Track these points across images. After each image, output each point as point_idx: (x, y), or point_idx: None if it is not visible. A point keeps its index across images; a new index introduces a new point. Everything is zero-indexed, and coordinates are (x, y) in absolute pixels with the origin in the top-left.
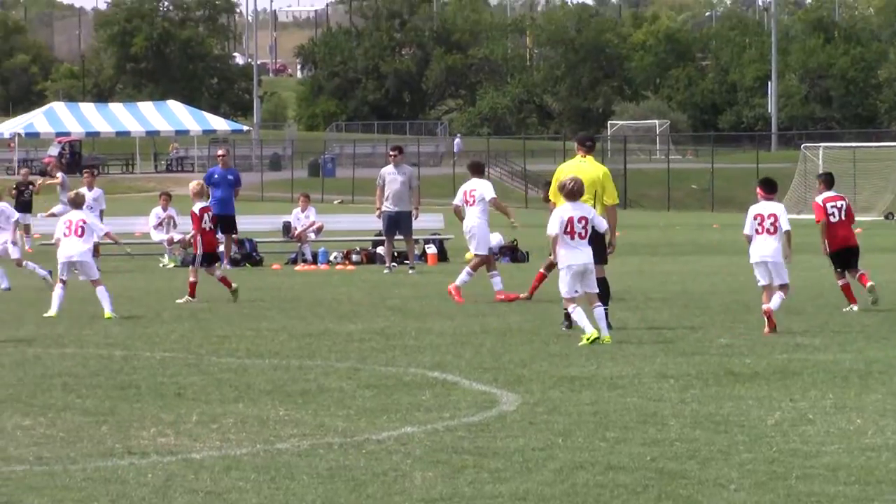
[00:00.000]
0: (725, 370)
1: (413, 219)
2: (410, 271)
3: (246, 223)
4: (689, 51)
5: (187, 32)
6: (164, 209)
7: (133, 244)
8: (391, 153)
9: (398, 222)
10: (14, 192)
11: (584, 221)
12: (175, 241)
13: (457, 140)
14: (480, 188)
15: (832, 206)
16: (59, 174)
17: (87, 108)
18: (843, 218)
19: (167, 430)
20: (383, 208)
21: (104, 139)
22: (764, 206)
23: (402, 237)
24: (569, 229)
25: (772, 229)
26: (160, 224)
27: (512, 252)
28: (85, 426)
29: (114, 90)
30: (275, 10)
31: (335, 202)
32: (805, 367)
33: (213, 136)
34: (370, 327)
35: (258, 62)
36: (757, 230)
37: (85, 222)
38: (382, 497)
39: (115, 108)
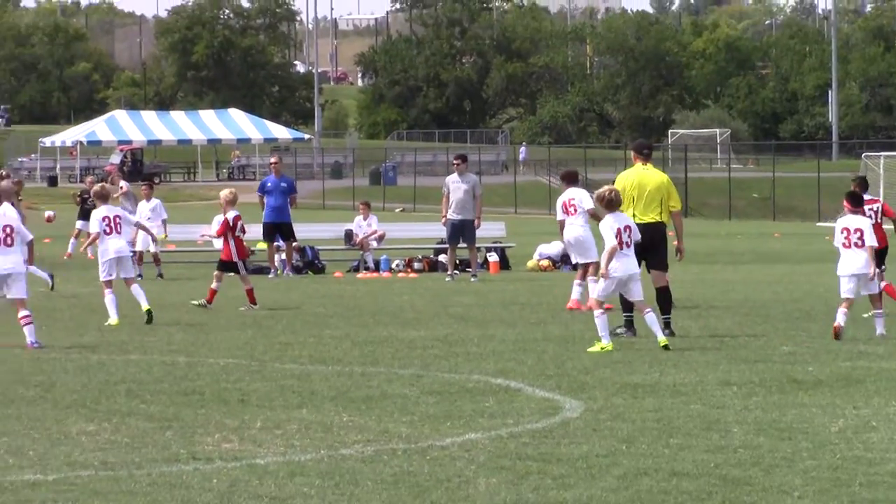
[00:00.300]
0: (788, 378)
1: (476, 227)
2: (473, 279)
3: (308, 231)
4: (750, 59)
5: (248, 40)
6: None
7: (195, 252)
8: (455, 162)
9: (462, 230)
10: (78, 199)
11: (629, 230)
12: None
13: (522, 149)
14: (579, 196)
15: (868, 210)
16: (123, 183)
17: (149, 117)
18: (878, 220)
19: (231, 436)
20: (448, 216)
21: (166, 147)
22: (850, 220)
23: (465, 245)
24: (618, 239)
25: (859, 243)
26: None
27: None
28: (149, 432)
29: (175, 98)
30: (335, 19)
31: (396, 210)
32: (868, 375)
33: (274, 145)
34: (433, 334)
35: (319, 70)
36: (844, 244)
37: (120, 217)
38: (446, 503)
39: (177, 116)
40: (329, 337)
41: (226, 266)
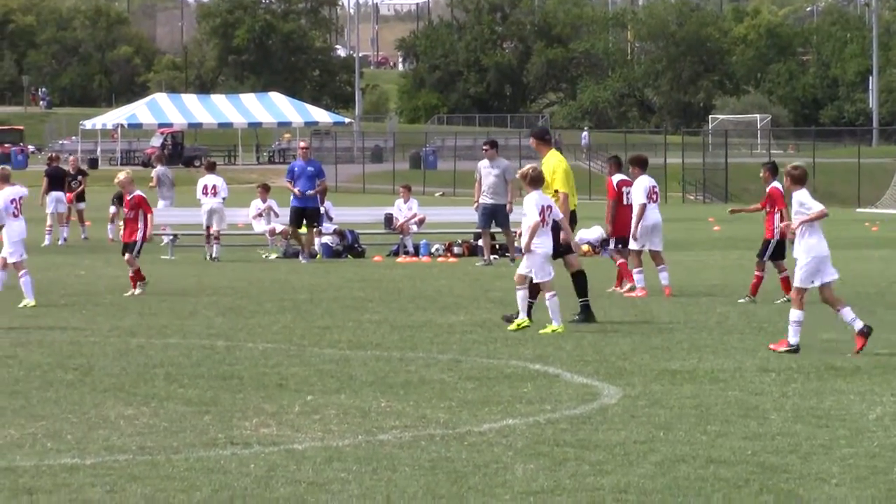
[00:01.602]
0: (827, 365)
1: (508, 211)
2: (511, 263)
3: (348, 215)
4: (791, 45)
5: (289, 25)
6: (264, 200)
7: (235, 235)
8: (484, 147)
9: (494, 214)
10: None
11: (550, 210)
12: (277, 231)
13: (584, 134)
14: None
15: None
16: (154, 172)
17: (190, 100)
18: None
19: (269, 421)
20: (480, 201)
21: (206, 130)
22: None
23: (499, 229)
24: (542, 217)
25: None
26: (259, 215)
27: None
28: (187, 416)
29: (216, 82)
30: (376, 3)
31: (437, 194)
32: None
33: (315, 128)
34: (472, 319)
35: (360, 55)
36: None
37: (24, 197)
38: (484, 489)
39: (218, 99)
40: (368, 321)
41: (127, 247)
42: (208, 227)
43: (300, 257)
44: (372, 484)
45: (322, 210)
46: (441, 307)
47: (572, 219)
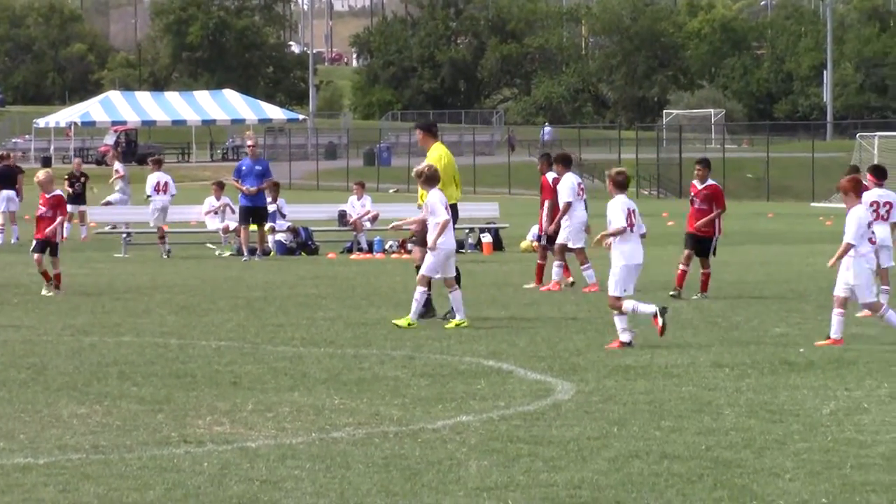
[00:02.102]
0: (780, 360)
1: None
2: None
3: (301, 212)
4: (745, 40)
5: (243, 21)
6: (218, 198)
7: (188, 233)
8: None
9: None
10: (66, 182)
11: (453, 208)
12: (231, 229)
13: (547, 129)
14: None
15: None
16: (119, 166)
17: (144, 97)
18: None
19: (223, 419)
20: None
21: (160, 128)
22: (879, 194)
23: None
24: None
25: (885, 216)
26: (214, 212)
27: None
28: (141, 414)
29: (170, 79)
30: (331, 0)
31: (391, 191)
32: (860, 357)
33: (268, 125)
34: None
35: (314, 51)
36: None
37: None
38: (438, 486)
39: (171, 96)
40: (321, 319)
41: (42, 245)
42: (160, 227)
43: (244, 256)
44: (325, 481)
45: (275, 207)
46: (395, 304)
47: (454, 213)
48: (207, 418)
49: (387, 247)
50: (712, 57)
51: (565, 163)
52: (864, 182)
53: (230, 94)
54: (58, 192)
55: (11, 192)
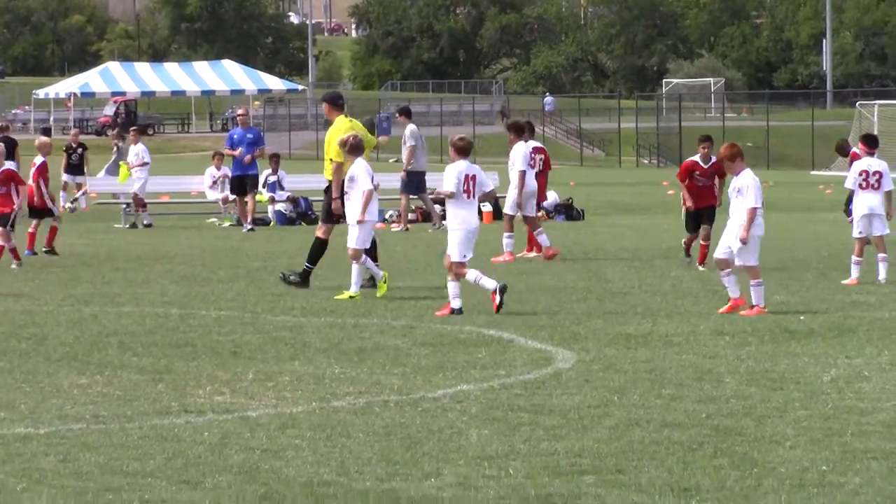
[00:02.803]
0: (781, 327)
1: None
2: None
3: (301, 182)
4: (744, 8)
5: None
6: (218, 168)
7: (189, 203)
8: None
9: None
10: (64, 153)
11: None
12: (230, 199)
13: (548, 99)
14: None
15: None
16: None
17: (143, 68)
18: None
19: (223, 389)
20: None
21: (159, 99)
22: (869, 163)
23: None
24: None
25: (876, 185)
26: (214, 183)
27: (567, 210)
28: (141, 384)
29: (169, 50)
30: None
31: (390, 161)
32: (861, 324)
33: (268, 96)
34: (425, 285)
35: (313, 21)
36: (861, 185)
37: None
38: (438, 454)
39: (171, 67)
40: (321, 288)
41: (37, 212)
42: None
43: (244, 227)
44: (326, 451)
45: (275, 178)
46: (395, 273)
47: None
48: (208, 388)
49: (386, 216)
50: (711, 26)
51: (518, 131)
52: (856, 150)
53: (229, 65)
54: (7, 166)
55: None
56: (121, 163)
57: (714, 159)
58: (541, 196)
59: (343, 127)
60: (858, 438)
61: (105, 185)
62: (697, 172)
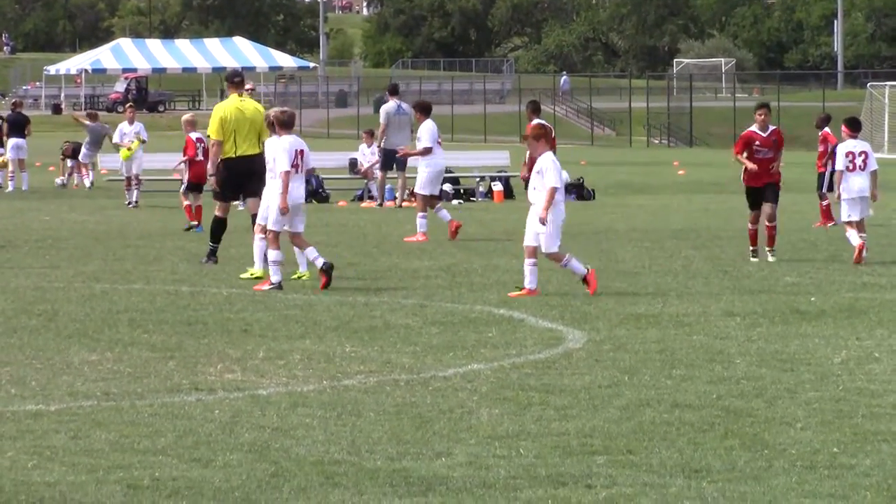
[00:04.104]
0: (792, 309)
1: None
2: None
3: (312, 159)
4: None
5: None
6: None
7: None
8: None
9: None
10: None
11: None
12: None
13: (564, 78)
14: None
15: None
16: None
17: (154, 45)
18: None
19: (234, 367)
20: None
21: (170, 75)
22: (854, 144)
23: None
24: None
25: (862, 166)
26: None
27: (578, 189)
28: (152, 362)
29: (180, 27)
30: None
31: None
32: (871, 306)
33: (279, 73)
34: (436, 264)
35: None
36: (849, 167)
37: None
38: (449, 433)
39: (182, 44)
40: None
41: (195, 187)
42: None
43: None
44: (336, 429)
45: None
46: (405, 252)
47: (240, 166)
48: (218, 366)
49: (397, 195)
50: (723, 6)
51: (423, 110)
52: (828, 132)
53: (240, 42)
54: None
55: (22, 140)
56: (119, 145)
57: (773, 128)
58: None
59: (228, 105)
60: (869, 420)
61: (116, 163)
62: (757, 142)
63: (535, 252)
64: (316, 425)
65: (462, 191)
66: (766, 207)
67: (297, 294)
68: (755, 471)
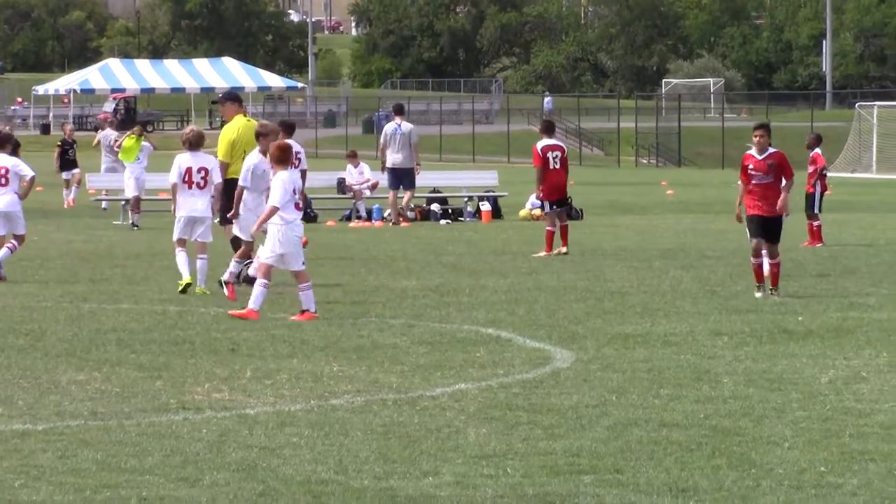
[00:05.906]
0: (779, 328)
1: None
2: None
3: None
4: (744, 9)
5: None
6: None
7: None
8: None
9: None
10: (58, 149)
11: (203, 172)
12: None
13: (547, 99)
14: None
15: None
16: (99, 134)
17: (143, 65)
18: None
19: (221, 386)
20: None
21: (159, 96)
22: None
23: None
24: (187, 178)
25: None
26: None
27: (567, 209)
28: (139, 381)
29: (168, 47)
30: None
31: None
32: (859, 326)
33: (267, 93)
34: (424, 284)
35: (313, 19)
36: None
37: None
38: (436, 453)
39: (171, 64)
40: (320, 286)
41: None
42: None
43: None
44: (324, 449)
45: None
46: (394, 272)
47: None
48: (206, 385)
49: (385, 215)
50: (711, 26)
51: (288, 130)
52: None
53: (229, 62)
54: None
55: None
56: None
57: (772, 150)
58: (556, 193)
59: (236, 125)
60: (856, 440)
61: (103, 182)
62: (751, 166)
63: (269, 272)
64: (303, 444)
65: (450, 210)
66: (766, 246)
67: (285, 314)
68: (742, 490)
